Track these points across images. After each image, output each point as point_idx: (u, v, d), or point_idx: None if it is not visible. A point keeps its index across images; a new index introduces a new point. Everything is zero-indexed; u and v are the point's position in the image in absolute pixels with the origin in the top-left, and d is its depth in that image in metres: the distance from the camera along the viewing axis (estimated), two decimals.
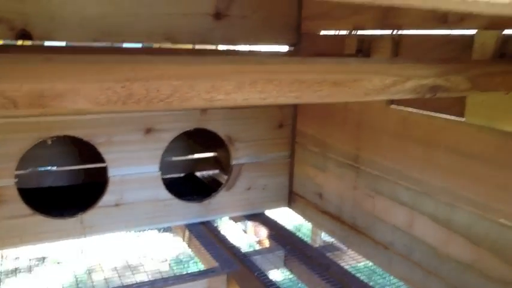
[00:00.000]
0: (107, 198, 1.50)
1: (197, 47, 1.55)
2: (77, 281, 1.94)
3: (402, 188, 1.27)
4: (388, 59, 1.19)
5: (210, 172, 2.21)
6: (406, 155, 1.25)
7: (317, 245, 1.88)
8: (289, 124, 1.76)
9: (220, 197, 1.71)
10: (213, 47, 1.54)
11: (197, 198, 1.69)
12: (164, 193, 1.60)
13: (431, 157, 1.18)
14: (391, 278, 1.51)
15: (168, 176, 1.96)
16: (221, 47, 1.57)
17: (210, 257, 1.49)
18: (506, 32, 0.95)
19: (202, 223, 1.69)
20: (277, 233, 1.69)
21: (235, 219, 1.82)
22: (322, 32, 1.54)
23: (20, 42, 1.30)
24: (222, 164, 2.10)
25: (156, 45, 1.53)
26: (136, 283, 1.31)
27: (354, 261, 1.56)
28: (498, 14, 0.34)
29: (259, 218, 1.78)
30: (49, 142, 1.44)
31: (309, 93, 0.72)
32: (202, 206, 1.68)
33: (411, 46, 1.20)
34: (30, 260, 1.74)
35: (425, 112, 1.19)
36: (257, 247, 1.70)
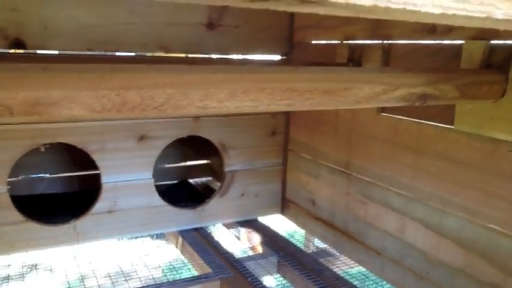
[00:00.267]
0: (100, 205, 1.51)
1: (190, 56, 1.57)
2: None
3: (393, 194, 1.29)
4: (378, 68, 1.21)
5: (204, 179, 2.22)
6: (397, 161, 1.27)
7: (310, 251, 1.89)
8: (282, 132, 1.78)
9: (214, 204, 1.72)
10: (206, 56, 1.55)
11: (190, 205, 1.70)
12: (157, 200, 1.61)
13: (421, 164, 1.19)
14: (384, 283, 1.52)
15: (162, 183, 1.97)
16: (214, 56, 1.58)
17: (203, 263, 1.49)
18: (493, 42, 0.98)
19: (196, 229, 1.70)
20: (270, 239, 1.70)
21: (229, 226, 1.82)
22: (314, 42, 1.56)
23: (13, 51, 1.31)
24: (215, 171, 2.11)
25: (149, 55, 1.54)
26: None
27: (347, 267, 1.57)
28: (478, 26, 0.36)
29: (253, 224, 1.78)
30: (42, 149, 1.44)
31: (301, 101, 0.74)
32: (196, 212, 1.69)
33: (401, 55, 1.22)
34: (22, 267, 1.73)
35: (415, 120, 1.21)
36: (250, 253, 1.70)
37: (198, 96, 0.66)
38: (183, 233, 1.68)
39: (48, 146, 1.47)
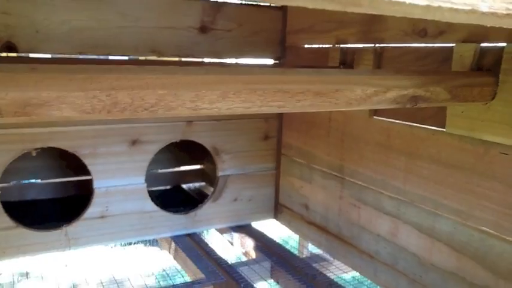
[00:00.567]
0: (92, 210, 1.50)
1: (183, 60, 1.57)
2: None
3: (386, 197, 1.29)
4: (370, 70, 1.21)
5: (197, 184, 2.21)
6: (389, 165, 1.27)
7: (304, 256, 1.88)
8: (275, 136, 1.78)
9: (207, 209, 1.71)
10: (198, 60, 1.55)
11: (183, 210, 1.69)
12: (150, 205, 1.60)
13: (413, 167, 1.20)
14: None
15: (155, 188, 1.96)
16: (207, 60, 1.59)
17: (196, 268, 1.48)
18: (483, 45, 0.98)
19: (188, 235, 1.69)
20: (264, 244, 1.69)
21: (222, 231, 1.81)
22: (307, 46, 1.57)
23: (4, 54, 1.30)
24: (209, 176, 2.11)
25: (142, 58, 1.54)
26: None
27: (341, 271, 1.57)
28: (465, 22, 0.36)
29: (246, 229, 1.78)
30: (33, 154, 1.43)
31: (292, 103, 0.74)
32: (189, 217, 1.68)
33: (393, 58, 1.23)
34: (13, 275, 1.71)
35: (407, 123, 1.21)
36: (243, 258, 1.69)
37: (189, 97, 0.65)
38: (176, 239, 1.67)
39: (39, 150, 1.46)
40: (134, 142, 1.53)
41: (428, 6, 0.29)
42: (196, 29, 1.52)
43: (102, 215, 1.51)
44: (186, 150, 2.05)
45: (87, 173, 1.49)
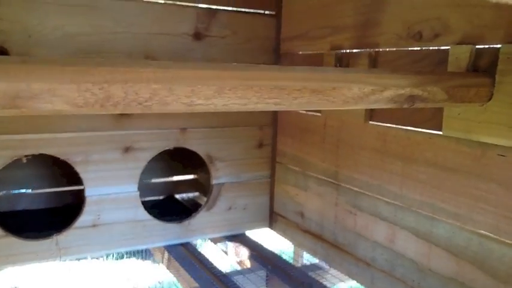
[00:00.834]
0: (83, 218, 1.47)
1: None
2: None
3: (382, 203, 1.28)
4: (367, 70, 1.21)
5: (190, 194, 2.19)
6: (385, 170, 1.26)
7: (299, 265, 1.86)
8: (269, 144, 1.76)
9: (200, 218, 1.68)
10: None
11: (176, 219, 1.66)
12: (143, 213, 1.57)
13: (410, 171, 1.19)
14: None
15: (148, 198, 1.94)
16: None
17: (190, 278, 1.45)
18: (479, 46, 0.98)
19: (182, 244, 1.66)
20: (259, 253, 1.66)
21: (216, 240, 1.79)
22: (301, 52, 1.57)
23: None
24: (202, 185, 2.08)
25: None
26: None
27: (337, 280, 1.54)
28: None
29: (240, 238, 1.75)
30: (24, 161, 1.40)
31: (289, 100, 0.73)
32: (182, 226, 1.65)
33: (388, 62, 1.23)
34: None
35: (403, 127, 1.20)
36: (238, 268, 1.67)
37: (185, 93, 0.64)
38: (170, 248, 1.64)
39: (30, 157, 1.43)
40: (127, 149, 1.51)
41: None
42: (190, 36, 1.51)
43: (93, 224, 1.48)
44: (179, 159, 2.03)
45: (79, 181, 1.46)
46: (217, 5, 1.56)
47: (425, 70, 1.09)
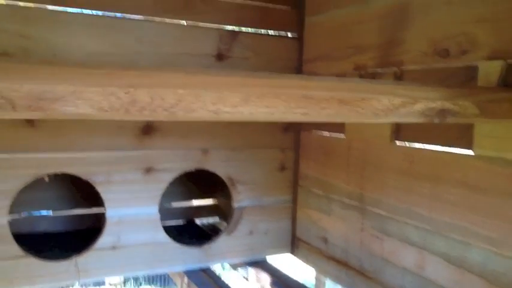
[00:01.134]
0: (103, 240, 1.45)
1: None
2: None
3: (411, 227, 1.23)
4: (397, 81, 1.18)
5: (210, 219, 2.15)
6: (413, 192, 1.22)
7: None
8: (291, 167, 1.73)
9: (221, 242, 1.65)
10: None
11: (197, 243, 1.63)
12: (163, 236, 1.54)
13: (439, 193, 1.14)
14: None
15: (167, 223, 1.91)
16: None
17: None
18: (510, 61, 0.95)
19: (202, 270, 1.62)
20: (280, 279, 1.61)
21: (236, 266, 1.74)
22: (324, 73, 1.55)
23: None
24: (222, 210, 2.05)
25: None
26: None
27: None
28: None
29: (261, 264, 1.70)
30: (46, 179, 1.40)
31: (317, 111, 0.70)
32: (202, 251, 1.61)
33: (414, 80, 1.20)
34: None
35: (431, 147, 1.17)
36: None
37: (211, 99, 0.62)
38: (189, 274, 1.60)
39: (51, 177, 1.43)
40: (149, 170, 1.49)
41: None
42: (213, 56, 1.52)
43: (113, 246, 1.46)
44: (198, 183, 2.01)
45: (99, 203, 1.45)
46: (239, 26, 1.57)
47: (456, 84, 1.06)
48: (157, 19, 1.45)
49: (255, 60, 1.58)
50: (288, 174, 1.73)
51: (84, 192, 1.62)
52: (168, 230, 1.58)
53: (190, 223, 2.10)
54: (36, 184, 1.38)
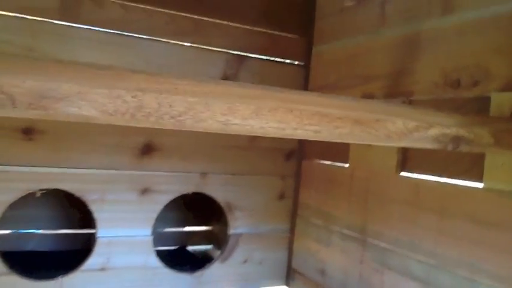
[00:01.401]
0: (92, 261, 1.39)
1: None
2: None
3: (414, 261, 1.18)
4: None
5: (203, 247, 2.09)
6: (418, 225, 1.18)
7: None
8: (291, 196, 1.69)
9: (214, 270, 1.59)
10: None
11: (189, 269, 1.57)
12: (154, 260, 1.48)
13: (446, 227, 1.10)
14: None
15: (159, 248, 1.85)
16: None
17: None
18: None
19: None
20: None
21: None
22: None
23: None
24: (217, 238, 1.99)
25: None
26: None
27: None
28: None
29: None
30: (38, 195, 1.35)
31: (330, 129, 0.68)
32: (194, 277, 1.55)
33: None
34: None
35: (438, 179, 1.13)
36: None
37: (221, 110, 0.60)
38: None
39: (43, 192, 1.39)
40: (145, 191, 1.45)
41: None
42: (220, 79, 1.50)
43: (102, 267, 1.40)
44: (195, 209, 1.96)
45: (91, 223, 1.40)
46: (247, 52, 1.56)
47: (471, 112, 1.04)
48: (166, 40, 1.44)
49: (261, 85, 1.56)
50: (288, 203, 1.69)
51: (76, 212, 1.57)
52: (160, 254, 1.52)
53: (183, 250, 2.04)
54: (26, 201, 1.34)
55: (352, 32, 1.46)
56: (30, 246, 1.74)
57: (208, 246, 2.10)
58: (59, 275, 1.36)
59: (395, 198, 1.25)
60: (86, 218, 1.44)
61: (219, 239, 1.85)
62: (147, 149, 1.44)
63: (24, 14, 1.27)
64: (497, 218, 0.98)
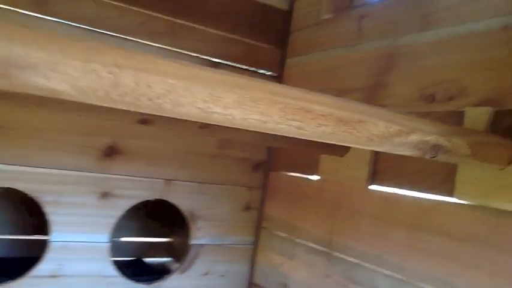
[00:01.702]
0: (42, 266, 1.29)
1: None
2: None
3: (381, 275, 1.16)
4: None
5: (162, 259, 2.01)
6: (387, 239, 1.16)
7: None
8: (256, 208, 1.66)
9: (172, 281, 1.52)
10: None
11: (146, 280, 1.49)
12: (110, 269, 1.40)
13: (415, 241, 1.09)
14: None
15: (115, 258, 1.76)
16: None
17: None
18: (497, 108, 0.94)
19: None
20: None
21: None
22: None
23: None
24: (176, 250, 1.92)
25: None
26: None
27: None
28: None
29: None
30: None
31: (313, 126, 0.65)
32: None
33: None
34: None
35: (409, 193, 1.13)
36: None
37: (202, 95, 0.56)
38: None
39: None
40: (105, 194, 1.38)
41: None
42: None
43: (53, 274, 1.31)
44: (156, 218, 1.88)
45: (45, 227, 1.31)
46: (220, 58, 1.53)
47: (451, 123, 1.04)
48: (139, 40, 1.39)
49: None
50: (253, 214, 1.65)
51: (33, 216, 1.47)
52: (117, 264, 1.44)
53: (139, 261, 1.95)
54: None
55: (328, 45, 1.46)
56: None
57: (167, 259, 2.02)
58: (5, 280, 1.26)
59: (363, 212, 1.24)
60: (42, 223, 1.34)
61: (180, 252, 1.78)
62: (111, 151, 1.38)
63: None
64: (469, 232, 0.98)
